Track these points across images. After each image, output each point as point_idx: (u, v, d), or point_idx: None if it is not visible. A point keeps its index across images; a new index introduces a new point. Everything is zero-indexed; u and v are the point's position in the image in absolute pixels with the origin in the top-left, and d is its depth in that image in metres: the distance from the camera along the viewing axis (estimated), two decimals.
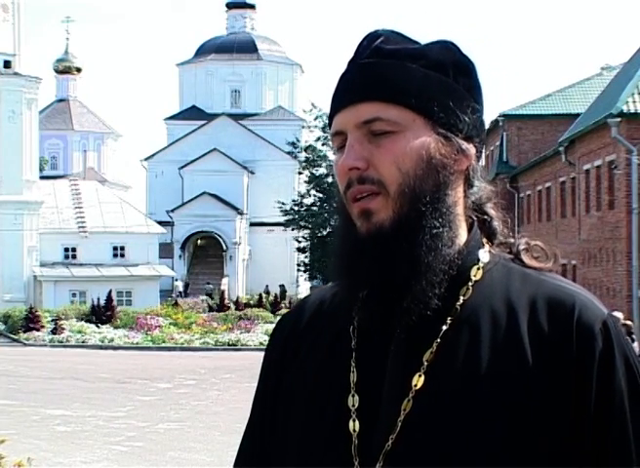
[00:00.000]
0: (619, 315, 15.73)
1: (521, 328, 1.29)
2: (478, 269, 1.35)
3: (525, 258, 1.39)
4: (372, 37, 1.37)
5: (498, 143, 41.82)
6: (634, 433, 1.27)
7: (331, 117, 1.38)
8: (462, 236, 1.36)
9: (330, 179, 55.51)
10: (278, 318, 1.60)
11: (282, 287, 54.39)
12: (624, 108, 24.96)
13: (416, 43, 1.38)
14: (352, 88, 1.35)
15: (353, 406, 1.32)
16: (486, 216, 1.42)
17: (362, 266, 1.31)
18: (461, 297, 1.33)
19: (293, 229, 60.51)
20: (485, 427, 1.24)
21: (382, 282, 1.30)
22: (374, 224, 1.31)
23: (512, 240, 1.43)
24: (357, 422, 1.31)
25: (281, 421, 1.41)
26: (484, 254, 1.37)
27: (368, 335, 1.35)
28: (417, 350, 1.31)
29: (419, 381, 1.29)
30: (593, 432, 1.26)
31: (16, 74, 45.49)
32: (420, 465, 1.26)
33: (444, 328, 1.31)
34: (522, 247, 1.41)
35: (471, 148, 1.36)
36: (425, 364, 1.30)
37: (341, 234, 1.37)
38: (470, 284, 1.34)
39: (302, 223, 59.58)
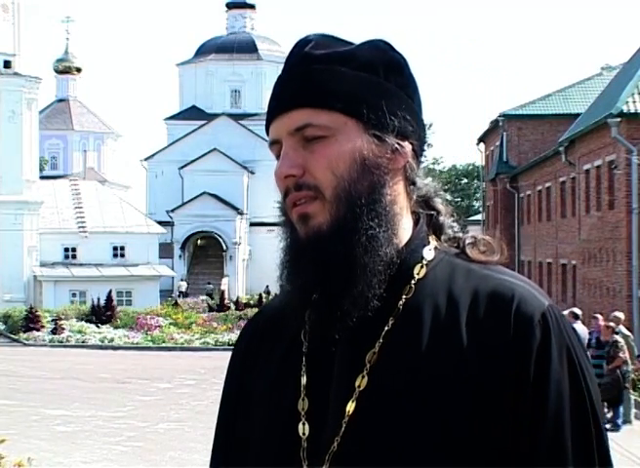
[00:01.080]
0: (619, 315, 15.71)
1: (461, 323, 1.30)
2: (421, 267, 1.36)
3: (470, 253, 1.39)
4: (302, 43, 1.38)
5: (498, 143, 41.83)
6: (572, 424, 1.27)
7: (267, 127, 1.40)
8: (404, 235, 1.37)
9: None
10: None
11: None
12: (624, 108, 24.96)
13: (348, 44, 1.39)
14: (282, 96, 1.37)
15: (303, 409, 1.34)
16: (433, 212, 1.43)
17: (302, 270, 1.33)
18: (404, 296, 1.34)
19: None
20: (425, 425, 1.25)
21: (323, 285, 1.31)
22: (311, 228, 1.33)
23: (460, 234, 1.43)
24: (307, 425, 1.33)
25: (241, 426, 1.43)
26: (428, 252, 1.38)
27: (318, 339, 1.37)
28: (360, 351, 1.32)
29: (362, 382, 1.31)
30: (530, 423, 1.26)
31: (16, 74, 45.50)
32: (364, 465, 1.27)
33: (386, 328, 1.32)
34: (468, 241, 1.41)
35: (407, 146, 1.37)
36: (368, 365, 1.31)
37: (284, 240, 1.38)
38: (413, 282, 1.35)
39: None
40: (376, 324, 1.32)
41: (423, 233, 1.40)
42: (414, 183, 1.40)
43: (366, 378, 1.30)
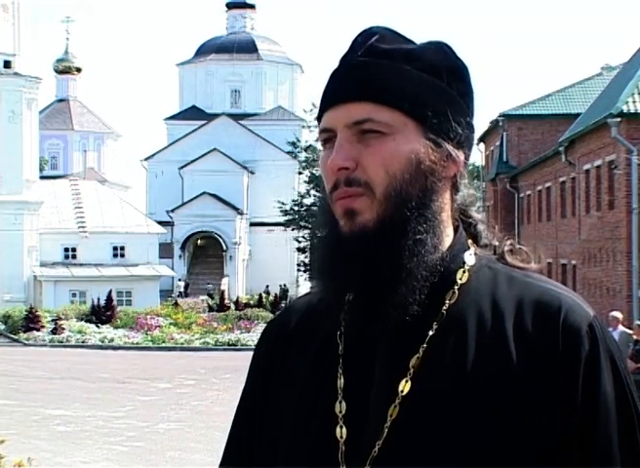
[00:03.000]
0: (617, 315, 15.71)
1: (507, 331, 1.29)
2: (464, 272, 1.34)
3: (509, 259, 1.38)
4: (366, 35, 1.34)
5: (498, 143, 41.81)
6: (619, 434, 1.27)
7: (320, 113, 1.36)
8: (447, 242, 1.35)
9: None
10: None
11: (283, 286, 54.40)
12: (624, 108, 24.95)
13: (410, 42, 1.36)
14: (344, 86, 1.32)
15: (340, 412, 1.31)
16: (471, 220, 1.42)
17: (344, 267, 1.29)
18: (447, 302, 1.32)
19: (293, 229, 60.52)
20: (471, 432, 1.24)
21: (364, 284, 1.29)
22: (357, 224, 1.29)
23: (497, 242, 1.42)
24: (344, 428, 1.30)
25: (269, 429, 1.40)
26: (469, 257, 1.36)
27: (355, 340, 1.34)
28: (403, 355, 1.30)
29: (405, 387, 1.28)
30: (579, 434, 1.26)
31: (16, 74, 45.50)
32: None
33: (430, 333, 1.30)
34: (507, 248, 1.40)
35: (461, 155, 1.35)
36: (412, 369, 1.29)
37: (324, 234, 1.35)
38: (456, 287, 1.33)
39: (302, 223, 59.57)
40: (419, 328, 1.30)
41: (464, 239, 1.38)
42: (458, 191, 1.38)
43: (409, 383, 1.28)
